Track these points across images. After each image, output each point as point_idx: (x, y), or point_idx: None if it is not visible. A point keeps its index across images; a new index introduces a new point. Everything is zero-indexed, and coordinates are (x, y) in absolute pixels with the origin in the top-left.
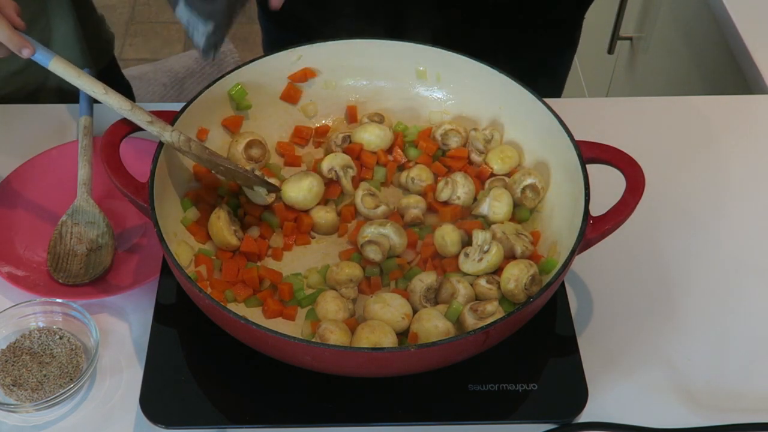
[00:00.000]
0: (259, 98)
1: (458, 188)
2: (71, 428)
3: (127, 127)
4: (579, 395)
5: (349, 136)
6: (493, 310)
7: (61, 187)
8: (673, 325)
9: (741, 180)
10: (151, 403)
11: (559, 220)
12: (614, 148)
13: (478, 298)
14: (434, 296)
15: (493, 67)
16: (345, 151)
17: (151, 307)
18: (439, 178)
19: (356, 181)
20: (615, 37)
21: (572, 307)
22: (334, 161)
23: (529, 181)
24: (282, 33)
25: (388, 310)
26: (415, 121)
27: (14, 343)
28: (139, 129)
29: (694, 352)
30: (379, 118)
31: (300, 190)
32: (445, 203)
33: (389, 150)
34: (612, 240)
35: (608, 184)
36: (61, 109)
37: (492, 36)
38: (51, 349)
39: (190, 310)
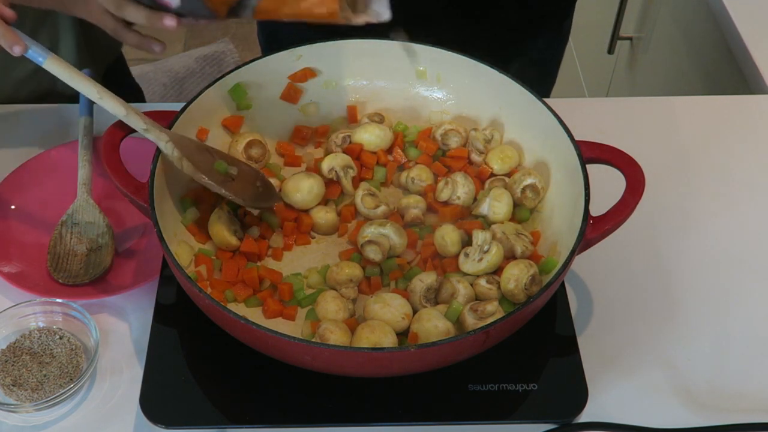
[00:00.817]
0: (259, 98)
1: (458, 188)
2: (71, 428)
3: (127, 128)
4: (579, 395)
5: (349, 136)
6: (493, 310)
7: (61, 187)
8: (673, 325)
9: (741, 180)
10: (151, 403)
11: (559, 220)
12: (614, 148)
13: (478, 298)
14: (434, 296)
15: (493, 67)
16: (345, 151)
17: (151, 307)
18: (439, 178)
19: (356, 181)
20: (615, 37)
21: (572, 307)
22: (334, 161)
23: (529, 181)
24: (282, 33)
25: (388, 310)
26: (415, 121)
27: (14, 343)
28: None
29: (694, 352)
30: (379, 118)
31: (300, 191)
32: (445, 203)
33: (389, 150)
34: (612, 240)
35: (608, 184)
36: (61, 109)
37: (480, 27)
38: (51, 349)
39: (190, 310)
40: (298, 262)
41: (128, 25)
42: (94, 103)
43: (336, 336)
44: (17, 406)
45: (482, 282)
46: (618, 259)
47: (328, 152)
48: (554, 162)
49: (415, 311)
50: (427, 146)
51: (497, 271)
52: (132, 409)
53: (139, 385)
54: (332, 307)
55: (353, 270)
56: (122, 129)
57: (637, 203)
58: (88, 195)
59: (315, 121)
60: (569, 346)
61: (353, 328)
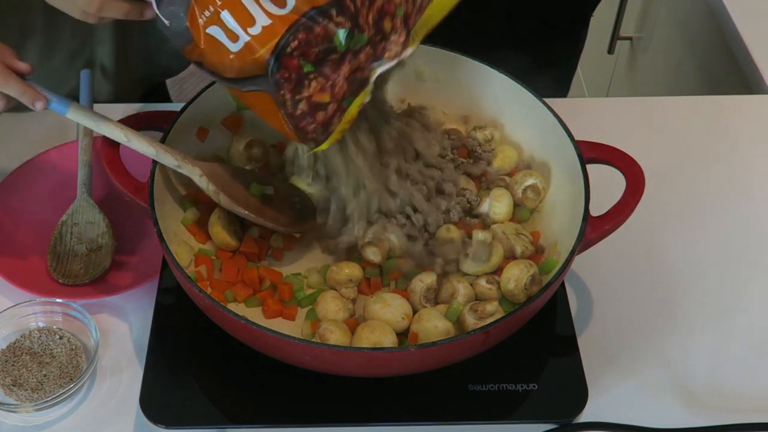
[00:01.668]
0: None
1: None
2: (71, 428)
3: None
4: (579, 395)
5: None
6: (493, 310)
7: (61, 187)
8: (673, 325)
9: (741, 180)
10: (151, 403)
11: (559, 220)
12: (614, 148)
13: (478, 298)
14: (434, 296)
15: (493, 67)
16: None
17: (151, 307)
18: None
19: None
20: (615, 37)
21: (572, 307)
22: None
23: (530, 181)
24: None
25: (388, 310)
26: None
27: (14, 343)
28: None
29: (694, 352)
30: None
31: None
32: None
33: None
34: (612, 240)
35: (608, 184)
36: None
37: (499, 30)
38: (51, 349)
39: (190, 310)
40: (298, 262)
41: None
42: (94, 103)
43: (336, 336)
44: (17, 406)
45: (482, 282)
46: (618, 259)
47: None
48: (554, 162)
49: (415, 311)
50: None
51: (497, 271)
52: (132, 409)
53: (139, 385)
54: (332, 307)
55: (353, 270)
56: None
57: (637, 203)
58: (88, 195)
59: None
60: (569, 346)
61: (353, 328)
